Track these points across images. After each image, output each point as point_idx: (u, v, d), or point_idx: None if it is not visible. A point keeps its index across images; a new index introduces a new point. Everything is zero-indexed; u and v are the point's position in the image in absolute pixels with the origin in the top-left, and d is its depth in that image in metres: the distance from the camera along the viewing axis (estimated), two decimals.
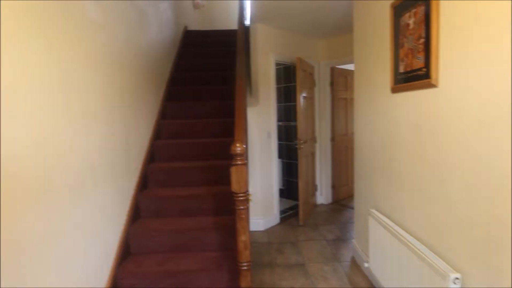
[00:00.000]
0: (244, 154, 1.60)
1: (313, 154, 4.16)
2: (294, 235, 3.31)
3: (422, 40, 1.59)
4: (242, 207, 1.58)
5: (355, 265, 2.64)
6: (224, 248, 2.12)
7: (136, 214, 2.30)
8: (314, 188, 4.28)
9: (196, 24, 4.99)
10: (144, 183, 2.49)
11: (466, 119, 1.30)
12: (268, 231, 3.47)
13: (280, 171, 4.59)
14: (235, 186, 1.56)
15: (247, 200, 1.60)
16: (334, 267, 2.61)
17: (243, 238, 1.59)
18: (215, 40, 4.30)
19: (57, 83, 1.46)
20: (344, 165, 4.54)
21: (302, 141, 3.56)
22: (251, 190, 3.35)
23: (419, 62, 1.63)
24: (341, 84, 4.43)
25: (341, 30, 3.76)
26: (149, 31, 2.86)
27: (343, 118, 4.49)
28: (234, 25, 4.47)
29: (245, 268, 1.63)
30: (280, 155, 4.61)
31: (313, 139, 4.19)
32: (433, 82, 1.50)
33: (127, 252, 2.11)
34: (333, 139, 4.37)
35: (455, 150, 1.38)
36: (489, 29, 1.16)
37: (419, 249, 1.58)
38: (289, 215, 3.97)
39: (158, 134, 2.89)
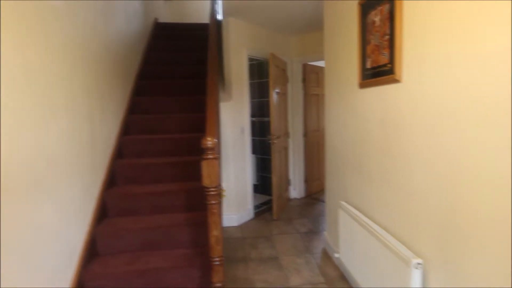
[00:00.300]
0: (216, 148, 1.58)
1: (286, 149, 4.21)
2: (268, 230, 3.35)
3: (387, 37, 1.65)
4: (213, 202, 1.57)
5: (327, 256, 2.71)
6: (197, 245, 2.09)
7: (103, 213, 2.21)
8: (288, 182, 4.34)
9: (167, 16, 4.85)
10: (112, 180, 2.39)
11: (426, 113, 1.37)
12: (242, 226, 3.47)
13: (254, 167, 4.60)
14: (206, 181, 1.54)
15: (218, 195, 1.59)
16: (307, 259, 2.66)
17: (215, 233, 1.57)
18: (187, 33, 4.21)
19: (10, 72, 1.35)
20: (316, 160, 4.64)
21: (275, 137, 3.59)
22: (224, 185, 3.34)
23: (384, 58, 1.69)
24: (313, 80, 4.51)
25: (313, 28, 3.82)
26: (116, 21, 2.74)
27: (315, 114, 4.58)
28: (206, 19, 4.39)
29: (218, 263, 1.62)
30: (254, 151, 4.63)
31: (286, 135, 4.23)
32: (396, 77, 1.56)
33: (94, 253, 2.02)
34: (305, 134, 4.44)
35: (416, 144, 1.45)
36: (447, 29, 1.23)
37: (385, 238, 1.65)
38: (263, 210, 4.00)
39: (126, 130, 2.78)
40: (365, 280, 1.92)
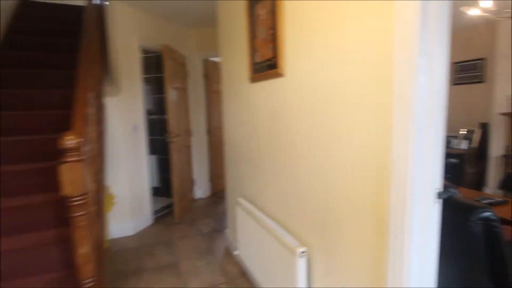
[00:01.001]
0: (81, 148, 1.31)
1: (188, 148, 4.02)
2: (168, 235, 3.11)
3: (271, 31, 1.66)
4: (80, 213, 1.30)
5: (228, 254, 2.67)
6: (70, 266, 1.74)
7: None
8: (192, 182, 4.16)
9: None
10: None
11: (306, 106, 1.42)
12: (139, 234, 3.14)
13: (155, 168, 4.26)
14: (68, 188, 1.26)
15: (87, 204, 1.33)
16: (208, 261, 2.56)
17: (83, 250, 1.31)
18: (63, 15, 3.56)
19: None
20: (221, 158, 4.56)
21: (174, 135, 3.37)
22: (115, 191, 2.95)
23: (270, 52, 1.70)
24: (215, 76, 4.42)
25: (213, 22, 3.71)
26: None
27: (218, 111, 4.51)
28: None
29: (89, 285, 1.35)
30: (155, 151, 4.27)
31: (188, 132, 4.04)
32: (280, 71, 1.58)
33: None
34: (209, 132, 4.34)
35: (301, 136, 1.50)
36: (316, 25, 1.28)
37: (275, 230, 1.67)
38: (164, 214, 3.73)
39: None
40: (260, 274, 1.92)
